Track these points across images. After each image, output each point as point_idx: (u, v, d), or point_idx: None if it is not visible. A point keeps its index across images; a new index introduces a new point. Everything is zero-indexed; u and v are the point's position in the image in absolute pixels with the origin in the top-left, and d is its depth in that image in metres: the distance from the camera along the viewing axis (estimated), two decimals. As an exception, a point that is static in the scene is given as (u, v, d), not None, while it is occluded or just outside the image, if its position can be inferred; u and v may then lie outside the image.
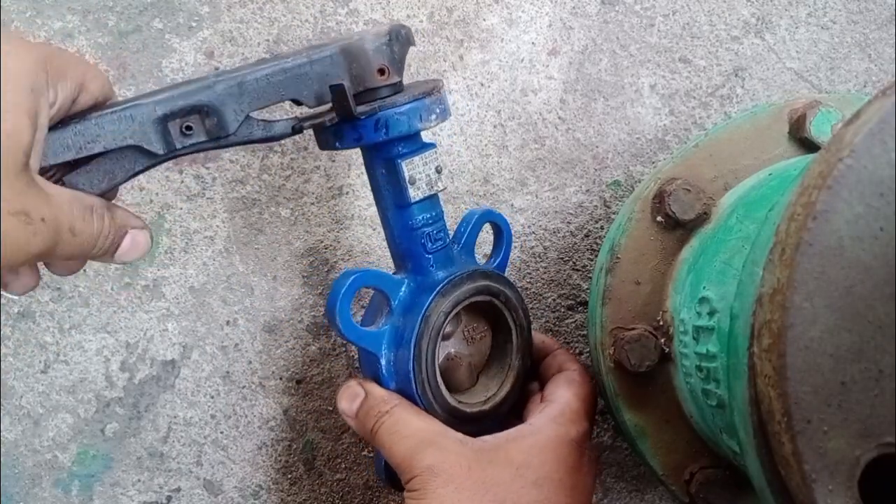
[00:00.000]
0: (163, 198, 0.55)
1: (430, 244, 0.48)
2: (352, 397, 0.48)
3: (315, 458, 0.60)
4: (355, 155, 0.57)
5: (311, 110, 0.44)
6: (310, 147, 0.56)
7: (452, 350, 0.50)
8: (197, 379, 0.57)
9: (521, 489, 0.44)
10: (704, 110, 0.62)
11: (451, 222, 0.57)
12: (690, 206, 0.50)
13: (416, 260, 0.48)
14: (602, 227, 0.62)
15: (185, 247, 0.56)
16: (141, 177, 0.53)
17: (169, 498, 0.58)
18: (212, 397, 0.57)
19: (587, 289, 0.62)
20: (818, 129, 0.50)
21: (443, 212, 0.48)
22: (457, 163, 0.59)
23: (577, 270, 0.62)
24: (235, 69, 0.42)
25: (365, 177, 0.57)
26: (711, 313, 0.44)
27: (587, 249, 0.62)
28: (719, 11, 0.61)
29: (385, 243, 0.58)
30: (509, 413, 0.51)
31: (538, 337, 0.54)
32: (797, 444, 0.30)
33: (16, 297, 0.54)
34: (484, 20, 0.58)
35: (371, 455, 0.60)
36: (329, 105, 0.44)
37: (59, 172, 0.38)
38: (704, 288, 0.46)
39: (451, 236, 0.50)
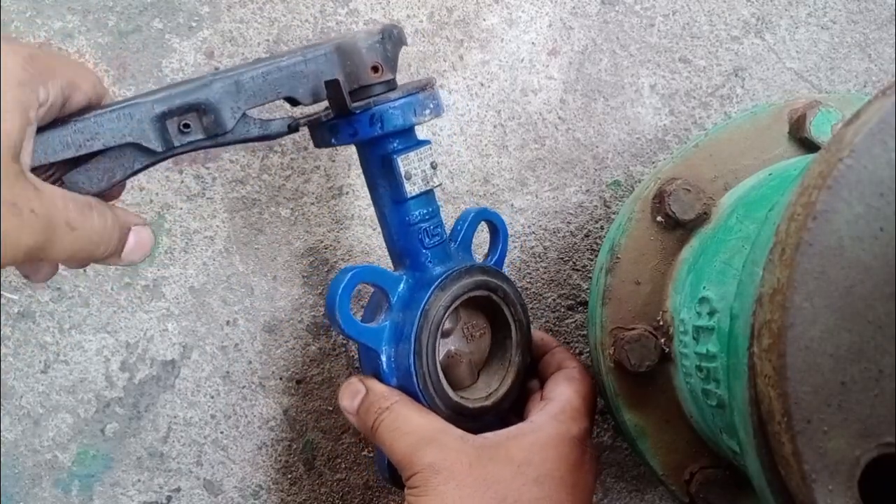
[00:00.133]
0: (163, 198, 0.55)
1: (427, 240, 0.48)
2: (353, 394, 0.48)
3: (315, 458, 0.60)
4: (355, 155, 0.57)
5: (307, 109, 0.45)
6: (310, 147, 0.56)
7: (452, 347, 0.50)
8: (197, 379, 0.57)
9: (523, 486, 0.44)
10: (704, 110, 0.62)
11: (451, 223, 0.57)
12: (690, 206, 0.50)
13: (414, 256, 0.48)
14: (602, 227, 0.62)
15: (185, 247, 0.56)
16: (141, 177, 0.53)
17: (169, 498, 0.58)
18: (212, 397, 0.57)
19: (587, 289, 0.62)
20: (818, 129, 0.50)
21: (439, 208, 0.49)
22: (457, 163, 0.59)
23: (577, 270, 0.62)
24: (232, 68, 0.42)
25: (365, 177, 0.57)
26: (711, 313, 0.44)
27: (587, 249, 0.62)
28: (719, 11, 0.61)
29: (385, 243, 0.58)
30: (510, 410, 0.51)
31: (537, 335, 0.54)
32: (797, 444, 0.30)
33: (16, 297, 0.54)
34: (484, 20, 0.58)
35: (371, 455, 0.60)
36: (324, 105, 0.45)
37: (59, 171, 0.38)
38: (704, 288, 0.46)
39: (447, 235, 0.50)
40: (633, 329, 0.50)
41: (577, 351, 0.63)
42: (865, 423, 0.30)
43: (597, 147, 0.61)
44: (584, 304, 0.62)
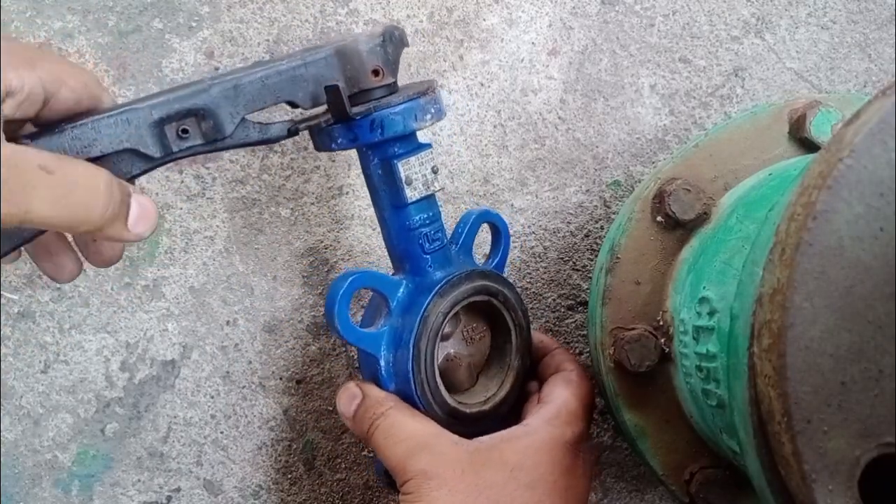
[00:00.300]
0: (163, 198, 0.55)
1: (427, 244, 0.48)
2: (349, 399, 0.48)
3: (315, 458, 0.60)
4: (355, 155, 0.57)
5: (308, 112, 0.45)
6: (309, 147, 0.56)
7: (452, 350, 0.50)
8: (197, 379, 0.57)
9: (515, 491, 0.44)
10: (704, 110, 0.62)
11: (451, 222, 0.57)
12: (690, 206, 0.50)
13: (414, 261, 0.48)
14: (602, 227, 0.62)
15: (185, 247, 0.56)
16: (140, 177, 0.53)
17: (169, 498, 0.58)
18: (212, 397, 0.57)
19: (587, 289, 0.62)
20: (818, 129, 0.50)
21: (440, 212, 0.48)
22: (457, 163, 0.59)
23: (577, 270, 0.62)
24: (231, 72, 0.42)
25: (365, 177, 0.57)
26: (711, 313, 0.44)
27: (587, 249, 0.62)
28: (719, 11, 0.61)
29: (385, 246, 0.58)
30: (509, 413, 0.51)
31: (537, 336, 0.54)
32: (797, 444, 0.30)
33: (16, 297, 0.54)
34: (484, 20, 0.58)
35: (371, 455, 0.60)
36: (324, 106, 0.44)
37: None
38: (704, 288, 0.46)
39: (449, 237, 0.50)
40: (633, 329, 0.50)
41: (577, 351, 0.63)
42: (865, 423, 0.30)
43: (597, 147, 0.61)
44: (584, 304, 0.62)
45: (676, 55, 0.61)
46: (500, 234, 0.54)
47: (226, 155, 0.55)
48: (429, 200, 0.48)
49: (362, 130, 0.44)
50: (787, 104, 0.53)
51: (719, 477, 0.50)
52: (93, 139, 0.38)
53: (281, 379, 0.58)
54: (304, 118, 0.45)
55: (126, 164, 0.39)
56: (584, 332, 0.63)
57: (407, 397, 0.47)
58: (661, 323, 0.50)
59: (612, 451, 0.64)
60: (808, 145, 0.51)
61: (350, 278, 0.45)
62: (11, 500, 0.55)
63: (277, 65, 0.42)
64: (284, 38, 0.55)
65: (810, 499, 0.30)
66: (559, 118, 0.60)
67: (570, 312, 0.62)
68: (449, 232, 0.51)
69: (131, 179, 0.40)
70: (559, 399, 0.48)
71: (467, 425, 0.48)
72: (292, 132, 0.44)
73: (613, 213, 0.62)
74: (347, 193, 0.58)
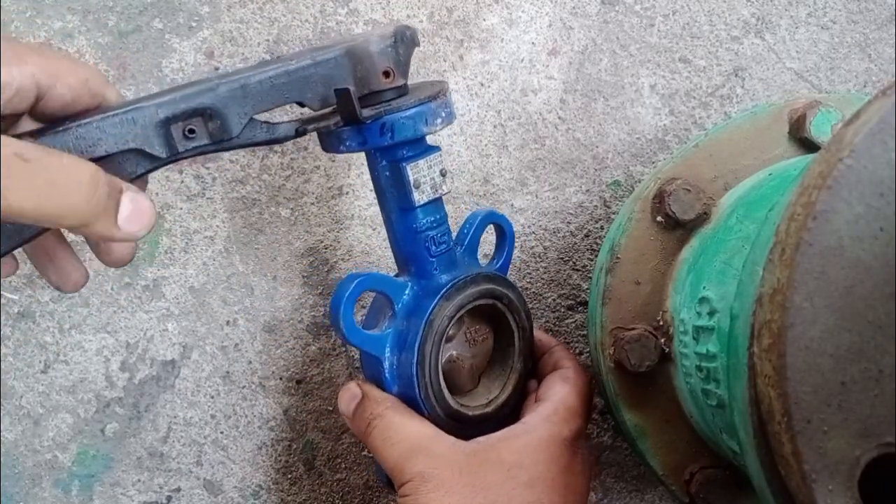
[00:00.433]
0: (163, 198, 0.55)
1: (433, 247, 0.47)
2: (350, 399, 0.48)
3: (315, 458, 0.60)
4: (356, 155, 0.57)
5: (315, 112, 0.44)
6: (310, 147, 0.56)
7: (454, 352, 0.50)
8: (197, 379, 0.57)
9: (513, 490, 0.44)
10: (704, 110, 0.62)
11: (451, 222, 0.57)
12: (690, 206, 0.50)
13: (420, 263, 0.48)
14: (602, 227, 0.62)
15: (185, 247, 0.56)
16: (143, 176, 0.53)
17: (169, 498, 0.58)
18: (212, 397, 0.57)
19: (587, 289, 0.62)
20: (818, 129, 0.50)
21: (446, 215, 0.48)
22: (457, 163, 0.59)
23: (577, 270, 0.62)
24: (238, 71, 0.41)
25: (365, 177, 0.57)
26: (711, 313, 0.44)
27: (587, 249, 0.62)
28: (719, 11, 0.61)
29: (385, 243, 0.58)
30: (511, 416, 0.51)
31: (536, 334, 0.54)
32: (797, 444, 0.30)
33: (16, 297, 0.54)
34: (484, 20, 0.58)
35: (371, 455, 0.60)
36: (332, 106, 0.44)
37: None
38: (704, 288, 0.46)
39: (453, 238, 0.50)
40: (633, 329, 0.50)
41: (577, 351, 0.63)
42: (865, 423, 0.30)
43: (597, 147, 0.61)
44: (584, 304, 0.62)
45: (676, 55, 0.61)
46: (505, 235, 0.53)
47: (226, 155, 0.55)
48: (436, 203, 0.47)
49: (372, 134, 0.43)
50: (787, 104, 0.53)
51: (719, 477, 0.50)
52: (97, 138, 0.37)
53: (281, 379, 0.58)
54: (312, 118, 0.44)
55: (131, 163, 0.39)
56: (584, 332, 0.63)
57: (410, 400, 0.47)
58: (661, 323, 0.50)
59: (612, 451, 0.64)
60: (808, 145, 0.51)
61: (356, 280, 0.45)
62: (11, 500, 0.55)
63: (286, 65, 0.41)
64: (284, 38, 0.55)
65: (810, 499, 0.30)
66: (559, 118, 0.60)
67: (570, 312, 0.62)
68: (452, 232, 0.51)
69: (136, 179, 0.39)
70: (557, 396, 0.48)
71: (469, 427, 0.48)
72: (300, 133, 0.43)
73: (613, 213, 0.62)
74: (347, 193, 0.58)
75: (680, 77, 0.61)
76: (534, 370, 0.53)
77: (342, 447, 0.60)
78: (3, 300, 0.54)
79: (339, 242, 0.58)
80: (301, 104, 0.42)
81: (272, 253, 0.57)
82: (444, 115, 0.45)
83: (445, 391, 0.48)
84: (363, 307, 0.56)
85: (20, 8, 0.52)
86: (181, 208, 0.55)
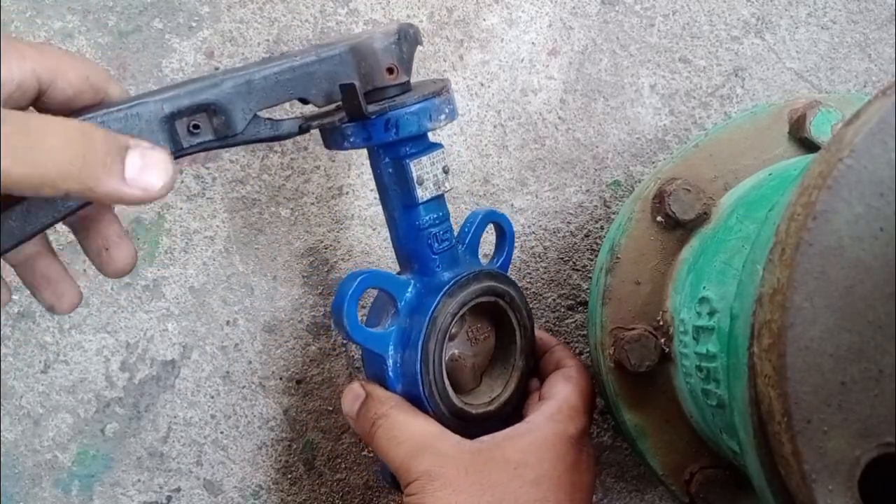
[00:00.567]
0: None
1: (436, 245, 0.47)
2: (353, 399, 0.48)
3: (315, 458, 0.60)
4: (355, 155, 0.57)
5: (318, 109, 0.44)
6: (310, 147, 0.56)
7: (456, 351, 0.50)
8: (197, 379, 0.57)
9: (520, 489, 0.44)
10: (704, 110, 0.62)
11: (452, 222, 0.57)
12: (690, 206, 0.50)
13: (423, 261, 0.48)
14: (602, 227, 0.62)
15: (185, 247, 0.56)
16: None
17: (169, 498, 0.58)
18: (212, 397, 0.57)
19: (587, 289, 0.62)
20: (818, 129, 0.50)
21: (449, 212, 0.48)
22: (457, 163, 0.59)
23: (577, 270, 0.62)
24: (242, 67, 0.41)
25: (365, 177, 0.57)
26: (711, 313, 0.44)
27: (587, 249, 0.62)
28: (719, 11, 0.61)
29: (385, 243, 0.58)
30: (513, 414, 0.51)
31: (537, 333, 0.54)
32: (797, 444, 0.30)
33: (16, 297, 0.54)
34: (484, 20, 0.58)
35: (371, 455, 0.60)
36: (335, 104, 0.44)
37: None
38: (704, 288, 0.46)
39: (455, 237, 0.50)
40: (633, 329, 0.50)
41: (578, 351, 0.63)
42: (865, 423, 0.30)
43: (597, 147, 0.61)
44: (584, 304, 0.62)
45: (676, 55, 0.61)
46: (505, 234, 0.54)
47: (226, 155, 0.55)
48: (439, 200, 0.47)
49: (376, 130, 0.43)
50: (787, 104, 0.53)
51: (719, 477, 0.50)
52: None
53: (281, 379, 0.58)
54: (315, 115, 0.44)
55: None
56: (584, 332, 0.63)
57: (414, 398, 0.47)
58: (661, 323, 0.50)
59: (612, 451, 0.64)
60: (808, 145, 0.51)
61: (359, 277, 0.45)
62: (11, 500, 0.55)
63: (291, 61, 0.41)
64: (284, 38, 0.55)
65: (810, 499, 0.30)
66: (559, 118, 0.60)
67: (570, 312, 0.62)
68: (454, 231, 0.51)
69: None
70: (560, 395, 0.48)
71: (474, 426, 0.48)
72: (304, 129, 0.43)
73: (613, 213, 0.62)
74: (347, 193, 0.58)
75: (680, 77, 0.61)
76: (535, 369, 0.53)
77: (342, 447, 0.60)
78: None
79: (339, 242, 0.58)
80: (305, 101, 0.42)
81: (272, 253, 0.57)
82: (447, 111, 0.45)
83: (449, 389, 0.48)
84: (363, 307, 0.56)
85: (20, 8, 0.52)
86: (181, 208, 0.55)
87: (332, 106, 0.44)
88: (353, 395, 0.48)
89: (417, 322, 0.46)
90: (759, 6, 0.62)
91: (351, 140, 0.44)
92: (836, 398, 0.30)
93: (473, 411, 0.49)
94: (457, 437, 0.45)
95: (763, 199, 0.47)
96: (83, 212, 0.40)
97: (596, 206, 0.61)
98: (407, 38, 0.44)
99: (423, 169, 0.46)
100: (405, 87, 0.45)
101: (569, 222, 0.61)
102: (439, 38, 0.57)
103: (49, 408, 0.55)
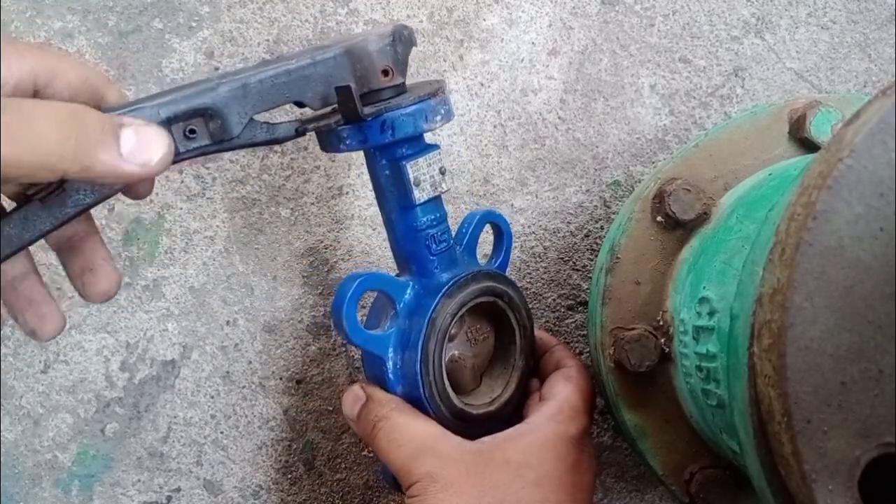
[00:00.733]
0: (163, 198, 0.55)
1: (434, 246, 0.47)
2: (354, 401, 0.48)
3: (315, 458, 0.60)
4: (355, 154, 0.57)
5: (314, 112, 0.44)
6: (310, 147, 0.56)
7: (456, 352, 0.50)
8: (197, 379, 0.57)
9: (521, 489, 0.44)
10: (704, 110, 0.62)
11: (451, 223, 0.57)
12: (690, 206, 0.50)
13: (421, 262, 0.48)
14: (602, 227, 0.62)
15: (185, 247, 0.56)
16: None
17: (169, 498, 0.58)
18: (212, 397, 0.57)
19: (587, 289, 0.62)
20: (818, 129, 0.50)
21: (446, 213, 0.48)
22: (457, 163, 0.59)
23: (577, 270, 0.62)
24: (238, 71, 0.41)
25: (365, 177, 0.57)
26: (711, 313, 0.44)
27: (587, 249, 0.62)
28: (719, 11, 0.61)
29: (385, 243, 0.58)
30: (514, 414, 0.51)
31: (536, 333, 0.54)
32: (797, 444, 0.30)
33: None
34: (484, 20, 0.58)
35: (371, 455, 0.60)
36: (331, 107, 0.44)
37: (60, 179, 0.37)
38: (704, 288, 0.46)
39: (453, 238, 0.50)
40: (633, 329, 0.50)
41: (578, 351, 0.63)
42: (865, 423, 0.30)
43: (597, 147, 0.61)
44: (584, 304, 0.62)
45: (676, 55, 0.61)
46: (502, 234, 0.54)
47: (226, 155, 0.55)
48: (436, 202, 0.47)
49: (372, 132, 0.44)
50: (787, 104, 0.53)
51: (719, 477, 0.50)
52: None
53: (281, 379, 0.58)
54: (312, 118, 0.44)
55: None
56: (584, 332, 0.63)
57: (415, 399, 0.47)
58: (661, 323, 0.50)
59: (612, 451, 0.64)
60: (808, 145, 0.51)
61: (358, 280, 0.45)
62: (11, 500, 0.55)
63: (286, 64, 0.41)
64: (284, 38, 0.55)
65: (810, 499, 0.30)
66: (559, 118, 0.60)
67: (570, 312, 0.62)
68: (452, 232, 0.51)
69: None
70: (561, 395, 0.48)
71: (474, 427, 0.48)
72: (300, 132, 0.43)
73: (613, 213, 0.62)
74: (347, 193, 0.58)
75: (680, 77, 0.61)
76: (535, 369, 0.53)
77: (342, 447, 0.60)
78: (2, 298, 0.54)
79: (339, 242, 0.58)
80: (301, 104, 0.43)
81: (272, 253, 0.57)
82: (443, 112, 0.45)
83: (450, 390, 0.48)
84: (363, 307, 0.56)
85: (20, 8, 0.52)
86: (181, 208, 0.55)
87: (328, 108, 0.44)
88: (353, 397, 0.48)
89: (417, 323, 0.46)
90: (759, 6, 0.62)
91: (347, 142, 0.44)
92: (836, 398, 0.30)
93: (474, 412, 0.49)
94: (457, 439, 0.45)
95: (763, 199, 0.47)
96: (70, 231, 0.39)
97: (596, 206, 0.61)
98: (402, 40, 0.44)
99: (419, 170, 0.46)
100: (401, 89, 0.45)
101: (569, 222, 0.61)
102: (439, 38, 0.57)
103: (49, 408, 0.55)
